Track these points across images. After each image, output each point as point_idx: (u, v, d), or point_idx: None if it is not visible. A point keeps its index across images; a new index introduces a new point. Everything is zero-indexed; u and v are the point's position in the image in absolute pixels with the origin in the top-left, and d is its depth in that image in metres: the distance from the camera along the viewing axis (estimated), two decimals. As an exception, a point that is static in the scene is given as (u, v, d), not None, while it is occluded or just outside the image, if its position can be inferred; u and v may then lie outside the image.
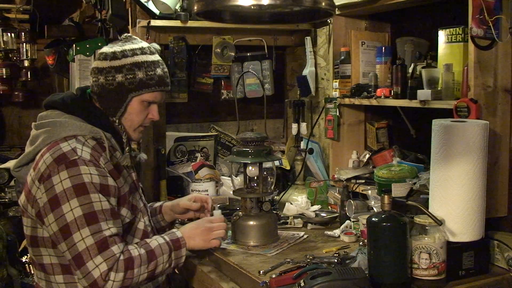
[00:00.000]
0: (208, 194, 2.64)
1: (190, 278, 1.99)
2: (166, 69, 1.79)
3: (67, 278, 1.62)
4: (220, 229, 1.85)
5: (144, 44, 1.78)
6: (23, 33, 4.34)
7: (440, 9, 2.26)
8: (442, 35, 1.98)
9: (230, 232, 2.02)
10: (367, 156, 2.50)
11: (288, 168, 2.90)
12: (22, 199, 1.65)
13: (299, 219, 2.26)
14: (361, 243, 1.87)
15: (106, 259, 1.52)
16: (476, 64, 1.78)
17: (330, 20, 2.59)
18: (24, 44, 4.34)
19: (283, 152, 3.05)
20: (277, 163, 2.67)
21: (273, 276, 1.66)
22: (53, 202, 1.52)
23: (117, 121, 1.74)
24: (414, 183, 1.97)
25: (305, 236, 2.10)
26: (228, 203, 2.54)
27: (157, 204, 2.10)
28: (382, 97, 2.21)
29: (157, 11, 2.68)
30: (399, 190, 2.00)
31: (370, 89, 2.33)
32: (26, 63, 4.39)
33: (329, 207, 2.48)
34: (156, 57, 1.78)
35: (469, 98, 1.79)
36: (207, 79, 3.11)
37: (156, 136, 2.73)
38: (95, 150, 1.64)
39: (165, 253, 1.67)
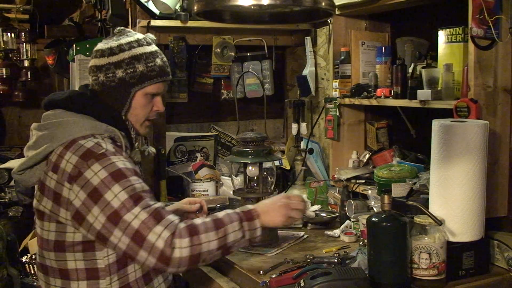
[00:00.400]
0: (208, 194, 2.64)
1: (190, 278, 2.00)
2: (165, 58, 1.75)
3: (91, 285, 1.55)
4: (298, 205, 1.72)
5: (140, 36, 1.73)
6: (23, 33, 4.34)
7: (440, 9, 2.26)
8: (442, 35, 1.98)
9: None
10: (367, 156, 2.50)
11: (288, 168, 2.90)
12: (45, 204, 1.55)
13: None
14: (361, 243, 1.87)
15: (165, 226, 1.45)
16: (476, 64, 1.78)
17: (330, 20, 2.59)
18: (24, 44, 4.34)
19: (283, 152, 3.05)
20: (277, 163, 2.67)
21: (273, 276, 1.66)
22: (93, 195, 1.47)
23: (123, 117, 1.70)
24: (414, 183, 1.97)
25: (305, 236, 2.10)
26: (228, 203, 2.54)
27: None
28: (382, 97, 2.21)
29: (157, 11, 2.68)
30: (399, 190, 2.00)
31: (370, 89, 2.33)
32: (26, 63, 4.38)
33: (329, 207, 2.48)
34: (154, 47, 1.73)
35: (469, 98, 1.79)
36: (207, 79, 3.11)
37: (156, 136, 2.73)
38: (115, 146, 1.61)
39: (234, 221, 1.55)
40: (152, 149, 1.85)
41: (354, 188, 2.39)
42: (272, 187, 2.19)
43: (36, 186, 1.61)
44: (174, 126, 3.09)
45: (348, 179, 2.42)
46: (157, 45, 1.80)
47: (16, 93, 4.52)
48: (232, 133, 3.15)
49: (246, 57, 3.10)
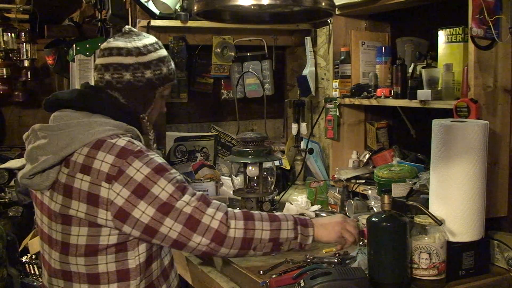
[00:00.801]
0: (208, 194, 2.64)
1: (190, 278, 2.00)
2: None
3: (120, 286, 1.53)
4: (353, 228, 1.70)
5: (154, 38, 1.76)
6: (23, 33, 4.34)
7: (440, 9, 2.26)
8: (442, 35, 1.98)
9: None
10: (367, 156, 2.50)
11: (288, 168, 2.90)
12: (78, 207, 1.47)
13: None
14: (361, 243, 1.87)
15: (216, 208, 1.49)
16: (476, 64, 1.78)
17: (330, 20, 2.59)
18: (24, 44, 4.34)
19: (283, 152, 3.05)
20: (277, 163, 2.67)
21: (273, 276, 1.66)
22: (139, 191, 1.45)
23: (146, 117, 1.70)
24: (414, 183, 1.97)
25: (305, 236, 2.10)
26: (228, 203, 2.54)
27: None
28: (382, 97, 2.21)
29: (157, 11, 2.68)
30: (399, 190, 2.00)
31: (370, 89, 2.33)
32: (26, 63, 4.39)
33: (329, 207, 2.47)
34: (165, 50, 1.77)
35: (469, 98, 1.79)
36: (207, 79, 3.11)
37: (156, 136, 2.72)
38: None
39: (289, 221, 1.58)
40: (161, 152, 1.85)
41: (354, 188, 2.39)
42: (272, 187, 2.20)
43: (47, 191, 1.53)
44: (174, 126, 3.09)
45: (348, 179, 2.42)
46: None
47: (16, 93, 4.53)
48: (232, 133, 3.15)
49: (246, 57, 3.10)
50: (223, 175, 2.86)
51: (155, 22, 2.66)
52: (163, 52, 1.72)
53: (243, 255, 1.55)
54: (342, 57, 2.50)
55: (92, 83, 1.72)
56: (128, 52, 1.64)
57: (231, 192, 2.36)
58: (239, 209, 1.56)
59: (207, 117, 3.21)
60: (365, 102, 2.34)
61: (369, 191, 2.25)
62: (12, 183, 3.46)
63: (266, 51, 3.09)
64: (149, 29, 2.66)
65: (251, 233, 1.51)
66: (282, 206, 2.39)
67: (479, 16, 1.73)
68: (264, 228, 1.53)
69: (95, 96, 1.62)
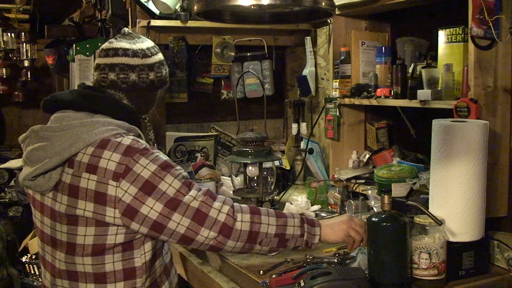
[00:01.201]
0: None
1: (190, 278, 2.00)
2: None
3: (127, 285, 1.54)
4: (359, 227, 1.69)
5: (152, 41, 1.80)
6: (23, 33, 4.34)
7: (440, 9, 2.26)
8: (442, 35, 1.98)
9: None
10: (367, 156, 2.50)
11: (288, 168, 2.90)
12: (85, 207, 1.47)
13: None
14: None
15: (223, 201, 1.52)
16: (476, 64, 1.78)
17: (330, 20, 2.60)
18: (24, 44, 4.34)
19: (283, 152, 3.05)
20: (277, 163, 2.67)
21: (273, 276, 1.66)
22: (146, 187, 1.46)
23: (147, 118, 1.75)
24: (414, 183, 1.97)
25: (305, 236, 2.10)
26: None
27: None
28: (382, 97, 2.21)
29: (157, 11, 2.68)
30: (399, 190, 2.00)
31: (370, 89, 2.33)
32: (26, 63, 4.39)
33: (329, 207, 2.47)
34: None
35: (469, 98, 1.79)
36: (207, 79, 3.11)
37: (156, 136, 2.72)
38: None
39: (296, 218, 1.60)
40: (161, 152, 1.86)
41: (354, 188, 2.39)
42: (272, 187, 2.20)
43: (49, 192, 1.52)
44: (174, 126, 3.09)
45: (348, 179, 2.42)
46: (157, 45, 1.82)
47: (16, 93, 4.53)
48: (232, 133, 3.15)
49: (246, 57, 3.10)
50: (223, 175, 2.86)
51: (155, 22, 2.66)
52: (161, 56, 1.78)
53: (250, 249, 1.56)
54: (342, 57, 2.50)
55: (91, 83, 1.73)
56: (134, 53, 1.68)
57: (231, 192, 2.36)
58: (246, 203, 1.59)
59: (207, 117, 3.21)
60: (365, 102, 2.34)
61: (369, 191, 2.25)
62: (12, 183, 3.46)
63: (266, 51, 3.09)
64: (149, 29, 2.66)
65: (257, 226, 1.53)
66: (282, 206, 2.39)
67: (479, 16, 1.73)
68: (270, 223, 1.55)
69: (96, 96, 1.63)
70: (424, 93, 1.96)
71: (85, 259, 1.52)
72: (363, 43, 2.50)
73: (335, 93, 2.53)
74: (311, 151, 2.66)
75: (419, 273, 1.56)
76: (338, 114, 2.54)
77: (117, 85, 1.67)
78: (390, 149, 2.41)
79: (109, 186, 1.46)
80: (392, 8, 2.34)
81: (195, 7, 1.57)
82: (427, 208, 1.64)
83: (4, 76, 4.36)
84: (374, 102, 2.28)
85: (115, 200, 1.47)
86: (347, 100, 2.47)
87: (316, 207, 2.40)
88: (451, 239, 1.63)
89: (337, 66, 2.52)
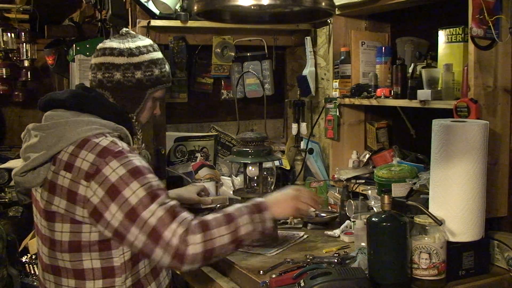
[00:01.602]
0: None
1: (190, 278, 2.00)
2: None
3: (106, 283, 1.56)
4: (307, 198, 1.76)
5: (150, 41, 1.80)
6: (23, 33, 4.35)
7: (440, 9, 2.26)
8: (442, 35, 1.98)
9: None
10: (367, 156, 2.50)
11: (288, 168, 2.90)
12: (58, 204, 1.52)
13: (299, 219, 2.26)
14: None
15: (180, 222, 1.47)
16: (476, 64, 1.78)
17: (330, 20, 2.59)
18: (24, 44, 4.35)
19: (283, 152, 3.05)
20: (277, 163, 2.67)
21: (273, 276, 1.66)
22: (112, 192, 1.47)
23: (134, 117, 1.74)
24: (414, 183, 1.97)
25: (305, 236, 2.10)
26: (228, 203, 2.54)
27: None
28: (382, 97, 2.21)
29: (157, 11, 2.68)
30: (399, 190, 2.00)
31: (370, 89, 2.33)
32: (26, 63, 4.40)
33: (329, 207, 2.47)
34: (161, 53, 1.80)
35: (469, 98, 1.79)
36: (207, 79, 3.11)
37: (156, 136, 2.73)
38: (128, 145, 1.62)
39: (244, 214, 1.58)
40: (148, 153, 1.86)
41: (354, 188, 2.39)
42: (272, 187, 2.20)
43: (39, 188, 1.58)
44: (174, 126, 3.09)
45: (348, 179, 2.42)
46: (158, 45, 1.83)
47: (16, 93, 4.53)
48: (232, 133, 3.15)
49: (246, 57, 3.10)
50: (223, 175, 2.86)
51: (155, 22, 2.66)
52: (157, 55, 1.76)
53: (208, 262, 1.57)
54: (342, 57, 2.50)
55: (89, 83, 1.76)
56: (120, 52, 1.69)
57: (231, 192, 2.36)
58: (197, 220, 1.53)
59: (207, 117, 3.21)
60: (365, 102, 2.34)
61: (369, 191, 2.25)
62: (12, 183, 3.45)
63: (266, 51, 3.09)
64: (149, 29, 2.66)
65: (210, 243, 1.50)
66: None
67: (479, 16, 1.73)
68: (222, 233, 1.52)
69: (84, 95, 1.67)
70: (424, 93, 1.96)
71: (64, 255, 1.56)
72: (363, 43, 2.50)
73: (335, 93, 2.53)
74: (311, 151, 2.66)
75: (419, 273, 1.56)
76: (338, 114, 2.54)
77: (103, 84, 1.70)
78: (390, 149, 2.41)
79: (80, 186, 1.50)
80: (392, 8, 2.34)
81: (195, 7, 1.57)
82: (427, 208, 1.64)
83: (4, 76, 4.36)
84: (374, 102, 2.28)
85: (84, 200, 1.50)
86: (347, 100, 2.47)
87: (316, 207, 2.40)
88: (451, 239, 1.63)
89: (337, 66, 2.52)
